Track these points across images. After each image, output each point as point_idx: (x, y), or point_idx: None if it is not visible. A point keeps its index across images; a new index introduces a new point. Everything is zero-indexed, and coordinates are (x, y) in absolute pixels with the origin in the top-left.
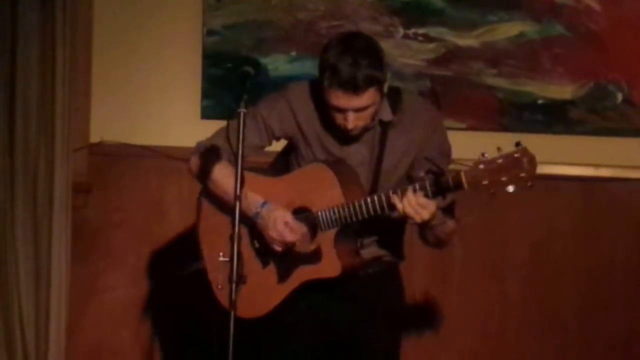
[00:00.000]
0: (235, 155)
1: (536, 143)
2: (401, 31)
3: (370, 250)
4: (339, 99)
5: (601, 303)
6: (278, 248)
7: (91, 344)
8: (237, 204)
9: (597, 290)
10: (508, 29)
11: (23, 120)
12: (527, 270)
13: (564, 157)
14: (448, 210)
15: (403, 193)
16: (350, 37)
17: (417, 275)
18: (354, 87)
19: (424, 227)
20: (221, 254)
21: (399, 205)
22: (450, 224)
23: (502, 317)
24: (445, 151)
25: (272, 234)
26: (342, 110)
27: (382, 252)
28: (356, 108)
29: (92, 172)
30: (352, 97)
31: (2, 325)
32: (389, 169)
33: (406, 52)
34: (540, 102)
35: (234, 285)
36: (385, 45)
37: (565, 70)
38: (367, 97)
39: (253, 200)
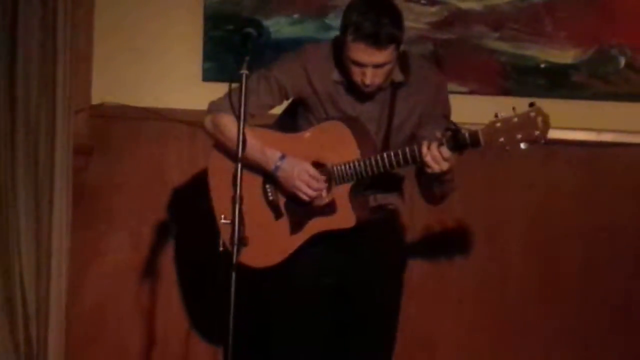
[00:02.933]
0: (237, 116)
1: None
2: None
3: (375, 197)
4: (361, 53)
5: (602, 267)
6: (305, 197)
7: (92, 306)
8: (239, 165)
9: (597, 255)
10: None
11: (24, 82)
12: (528, 235)
13: (566, 122)
14: None
15: (428, 146)
16: None
17: (418, 238)
18: (376, 41)
19: (439, 179)
20: (223, 216)
21: (424, 151)
22: (455, 181)
23: (502, 281)
24: (448, 113)
25: (297, 183)
26: (362, 65)
27: (385, 200)
28: (376, 64)
29: (93, 134)
30: (374, 51)
31: (2, 288)
32: (398, 127)
33: (409, 15)
34: (542, 66)
35: (235, 248)
36: None
37: (568, 34)
38: (387, 54)
39: (271, 154)
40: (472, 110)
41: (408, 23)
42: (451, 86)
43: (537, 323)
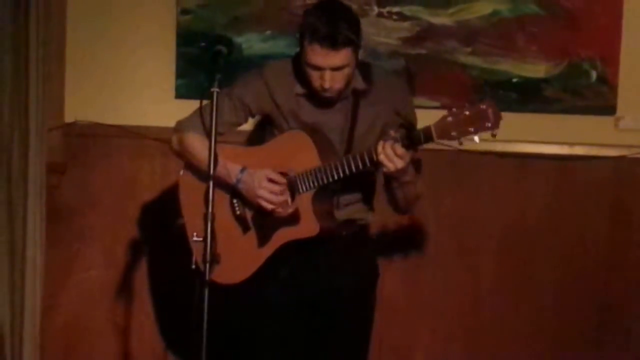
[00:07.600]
0: (209, 134)
1: (511, 121)
2: (375, 10)
3: (345, 212)
4: (317, 56)
5: (575, 280)
6: (268, 205)
7: (67, 324)
8: (211, 183)
9: (570, 268)
10: (482, 7)
11: None
12: (501, 248)
13: (538, 136)
14: (416, 169)
15: (383, 145)
16: (329, 3)
17: (391, 251)
18: (332, 43)
19: (397, 180)
20: (195, 234)
21: (379, 150)
22: (419, 185)
23: (476, 295)
24: (413, 120)
25: (259, 192)
26: (320, 68)
27: (355, 214)
28: (333, 66)
29: (67, 152)
30: (330, 53)
31: None
32: (360, 136)
33: (381, 31)
34: (514, 80)
35: (208, 265)
36: None
37: (540, 49)
38: (344, 56)
39: (232, 168)
40: None
41: (380, 39)
42: (423, 101)
43: (510, 334)
